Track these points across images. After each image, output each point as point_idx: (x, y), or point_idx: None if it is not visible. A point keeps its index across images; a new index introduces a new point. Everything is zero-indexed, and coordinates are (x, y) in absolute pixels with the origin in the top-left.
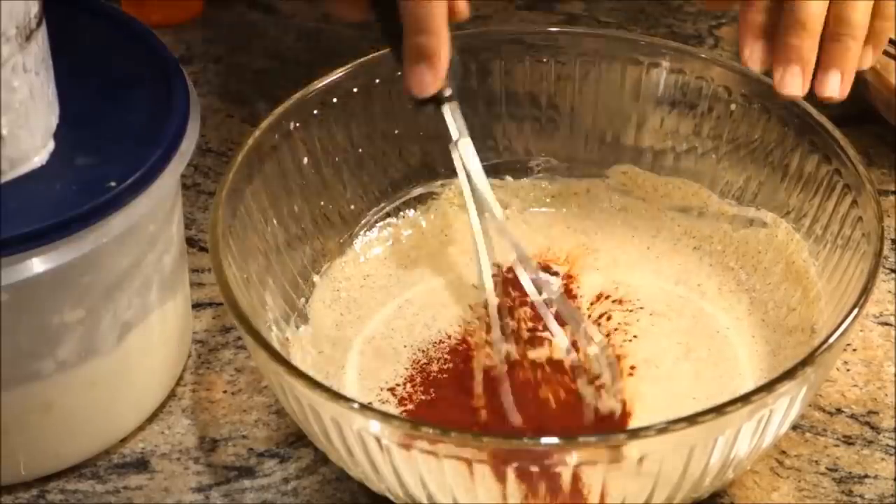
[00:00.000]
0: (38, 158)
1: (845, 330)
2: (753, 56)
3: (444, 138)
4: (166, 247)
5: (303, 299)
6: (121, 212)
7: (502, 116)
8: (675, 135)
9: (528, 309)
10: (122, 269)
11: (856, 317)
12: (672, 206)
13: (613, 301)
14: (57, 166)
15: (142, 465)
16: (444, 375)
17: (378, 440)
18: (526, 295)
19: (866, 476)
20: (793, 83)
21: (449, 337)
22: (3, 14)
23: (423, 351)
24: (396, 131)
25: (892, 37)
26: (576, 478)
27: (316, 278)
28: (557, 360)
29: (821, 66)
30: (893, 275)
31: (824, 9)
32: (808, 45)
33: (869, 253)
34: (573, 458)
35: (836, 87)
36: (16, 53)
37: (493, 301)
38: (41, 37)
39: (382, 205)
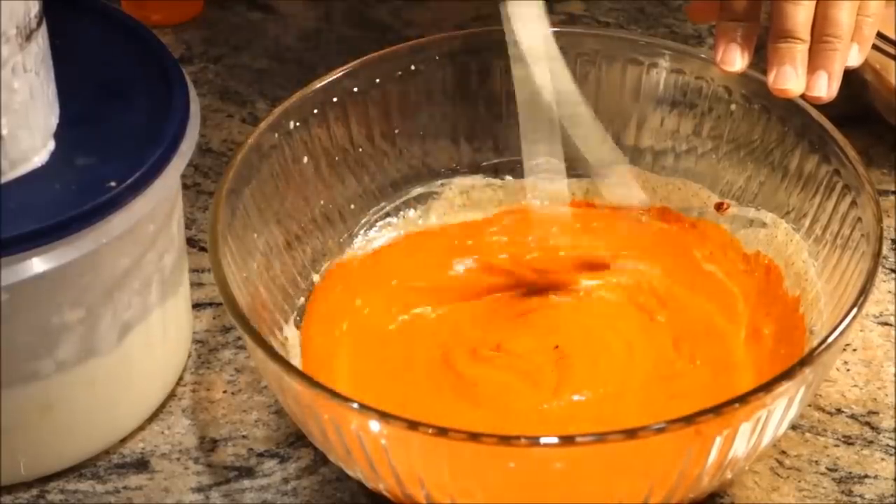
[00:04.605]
0: (38, 158)
1: (843, 330)
2: (725, 56)
3: (443, 138)
4: (166, 247)
5: (302, 299)
6: (121, 212)
7: (502, 116)
8: (675, 135)
9: None
10: (122, 269)
11: (854, 317)
12: (672, 206)
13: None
14: (57, 166)
15: (142, 465)
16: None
17: (377, 440)
18: None
19: (866, 476)
20: (786, 79)
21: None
22: (3, 14)
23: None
24: (396, 131)
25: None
26: (574, 477)
27: (316, 278)
28: None
29: (808, 67)
30: (893, 275)
31: (811, 13)
32: (800, 48)
33: (868, 253)
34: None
35: (823, 87)
36: (16, 53)
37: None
38: (41, 37)
39: (382, 205)
